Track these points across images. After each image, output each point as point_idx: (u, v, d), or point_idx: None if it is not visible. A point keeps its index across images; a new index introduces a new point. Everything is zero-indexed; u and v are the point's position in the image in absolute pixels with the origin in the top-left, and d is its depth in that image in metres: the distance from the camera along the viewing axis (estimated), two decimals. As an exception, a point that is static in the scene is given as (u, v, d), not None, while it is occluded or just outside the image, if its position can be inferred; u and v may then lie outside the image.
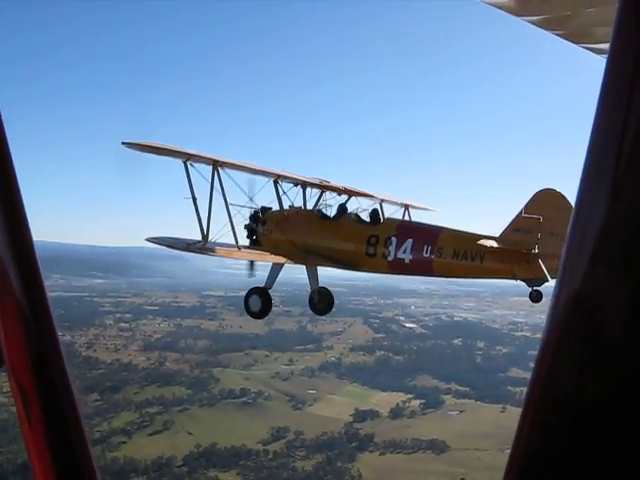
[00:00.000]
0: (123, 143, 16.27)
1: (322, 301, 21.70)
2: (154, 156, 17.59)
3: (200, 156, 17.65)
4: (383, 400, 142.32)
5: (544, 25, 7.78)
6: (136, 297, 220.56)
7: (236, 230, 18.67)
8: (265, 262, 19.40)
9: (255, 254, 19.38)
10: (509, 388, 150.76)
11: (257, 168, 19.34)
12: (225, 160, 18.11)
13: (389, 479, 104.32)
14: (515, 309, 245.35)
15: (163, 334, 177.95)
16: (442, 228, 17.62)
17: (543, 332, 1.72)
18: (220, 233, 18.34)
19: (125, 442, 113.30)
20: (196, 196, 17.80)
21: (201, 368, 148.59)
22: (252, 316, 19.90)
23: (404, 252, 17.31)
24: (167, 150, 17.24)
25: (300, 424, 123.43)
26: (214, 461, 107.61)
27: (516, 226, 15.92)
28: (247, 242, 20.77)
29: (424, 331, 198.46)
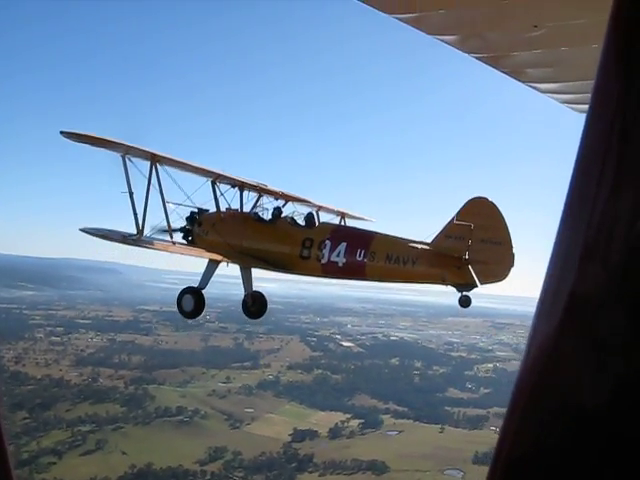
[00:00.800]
0: (61, 132, 16.04)
1: (255, 304, 21.44)
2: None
3: (138, 149, 17.52)
4: (322, 420, 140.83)
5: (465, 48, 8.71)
6: (68, 310, 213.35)
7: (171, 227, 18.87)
8: (201, 258, 19.23)
9: (191, 250, 19.34)
10: (447, 408, 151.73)
11: (196, 166, 19.27)
12: (163, 155, 18.05)
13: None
14: (450, 329, 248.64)
15: (96, 349, 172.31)
16: (375, 233, 17.83)
17: (530, 331, 1.72)
18: (155, 229, 18.55)
19: (55, 463, 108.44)
20: (133, 191, 17.71)
21: (136, 385, 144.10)
22: (185, 316, 19.51)
23: (337, 255, 17.48)
24: (104, 141, 16.90)
25: (238, 444, 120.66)
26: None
27: (448, 233, 16.22)
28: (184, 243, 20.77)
29: (361, 350, 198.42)
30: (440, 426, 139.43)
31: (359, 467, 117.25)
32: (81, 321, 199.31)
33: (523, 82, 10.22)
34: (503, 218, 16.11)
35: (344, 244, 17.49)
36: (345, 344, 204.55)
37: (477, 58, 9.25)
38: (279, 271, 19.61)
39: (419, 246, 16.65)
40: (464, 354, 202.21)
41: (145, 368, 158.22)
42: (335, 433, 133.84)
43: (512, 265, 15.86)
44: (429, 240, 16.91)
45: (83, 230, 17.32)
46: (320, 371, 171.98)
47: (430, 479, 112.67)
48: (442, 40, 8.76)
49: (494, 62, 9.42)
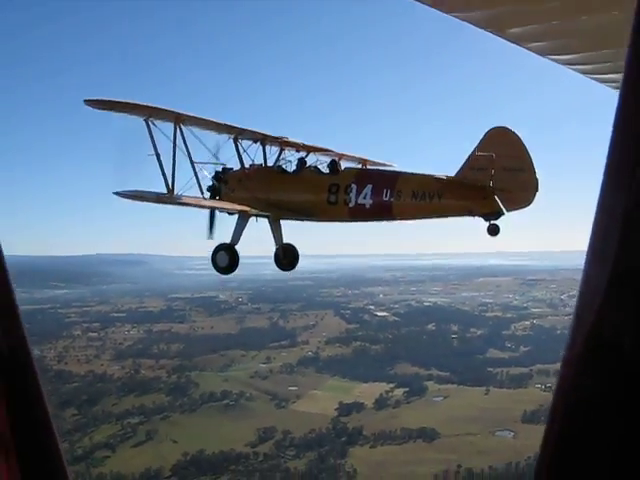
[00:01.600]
0: (85, 101, 16.16)
1: (287, 256, 21.71)
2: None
3: (161, 110, 17.54)
4: (366, 391, 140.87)
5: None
6: (102, 305, 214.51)
7: (191, 192, 19.04)
8: (232, 210, 19.69)
9: (222, 203, 19.86)
10: (489, 369, 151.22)
11: (219, 122, 19.32)
12: (187, 114, 18.13)
13: (384, 472, 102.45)
14: (482, 290, 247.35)
15: (134, 341, 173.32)
16: (399, 172, 18.23)
17: (569, 331, 1.73)
18: (185, 188, 18.72)
19: (109, 456, 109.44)
20: (159, 152, 17.95)
21: (178, 373, 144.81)
22: (220, 272, 19.81)
23: (364, 197, 17.77)
24: (128, 105, 17.07)
25: (286, 423, 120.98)
26: (203, 468, 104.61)
27: (471, 165, 16.33)
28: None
29: (396, 319, 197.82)
30: (485, 388, 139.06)
31: (409, 436, 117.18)
32: (116, 315, 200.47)
33: (542, 55, 10.17)
34: (524, 145, 16.19)
35: (370, 186, 17.76)
36: (380, 314, 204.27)
37: (494, 34, 9.16)
38: (308, 219, 19.89)
39: (443, 180, 16.88)
40: (499, 314, 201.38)
41: (185, 356, 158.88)
42: (381, 404, 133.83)
43: (537, 190, 16.10)
44: (453, 174, 17.08)
45: (117, 193, 17.11)
46: (358, 343, 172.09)
47: (481, 442, 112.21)
48: (459, 17, 8.64)
49: (512, 37, 9.35)
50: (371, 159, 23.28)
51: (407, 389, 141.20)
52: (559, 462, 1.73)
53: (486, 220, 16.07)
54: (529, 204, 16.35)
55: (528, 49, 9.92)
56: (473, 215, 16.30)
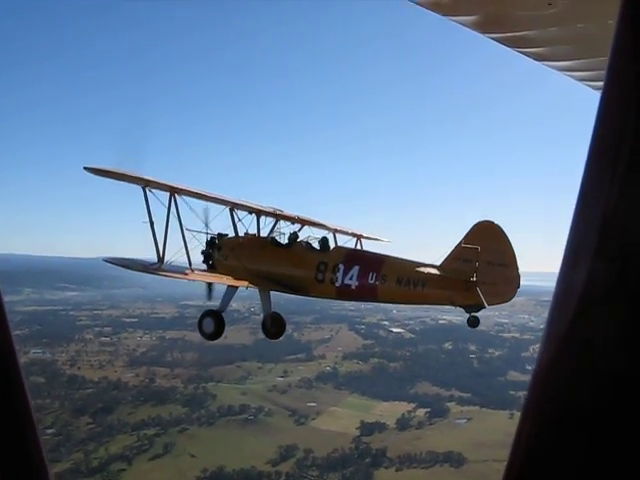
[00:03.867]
0: (84, 168, 16.70)
1: (275, 325, 22.17)
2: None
3: (158, 183, 18.16)
4: (387, 410, 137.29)
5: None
6: (113, 309, 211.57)
7: (191, 254, 19.45)
8: (221, 284, 19.99)
9: (210, 276, 19.92)
10: (511, 392, 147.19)
11: (213, 196, 19.97)
12: (182, 187, 18.70)
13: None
14: (497, 310, 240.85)
15: (147, 348, 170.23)
16: (386, 256, 18.34)
17: (543, 333, 1.77)
18: (176, 256, 18.99)
19: (125, 469, 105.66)
20: (154, 220, 18.28)
21: (194, 384, 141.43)
22: (205, 337, 20.46)
23: (350, 279, 18.02)
24: (126, 176, 17.63)
25: (307, 441, 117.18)
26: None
27: (456, 255, 16.62)
28: (204, 267, 21.35)
29: (412, 336, 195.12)
30: (509, 412, 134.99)
31: (435, 459, 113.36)
32: (127, 320, 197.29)
33: (539, 61, 10.36)
34: (509, 240, 16.59)
35: (357, 267, 18.02)
36: (395, 330, 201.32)
37: (492, 38, 9.43)
38: (296, 293, 20.00)
39: (428, 269, 17.01)
40: (517, 335, 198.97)
41: (200, 366, 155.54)
42: (403, 424, 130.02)
43: (518, 286, 16.49)
44: (438, 263, 17.27)
45: (107, 260, 17.99)
46: (377, 360, 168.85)
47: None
48: (456, 21, 8.90)
49: (508, 42, 9.57)
50: (366, 234, 23.76)
51: (429, 409, 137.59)
52: (529, 467, 1.79)
53: (467, 312, 16.20)
54: (510, 299, 16.76)
55: (524, 54, 10.06)
56: (455, 306, 16.47)
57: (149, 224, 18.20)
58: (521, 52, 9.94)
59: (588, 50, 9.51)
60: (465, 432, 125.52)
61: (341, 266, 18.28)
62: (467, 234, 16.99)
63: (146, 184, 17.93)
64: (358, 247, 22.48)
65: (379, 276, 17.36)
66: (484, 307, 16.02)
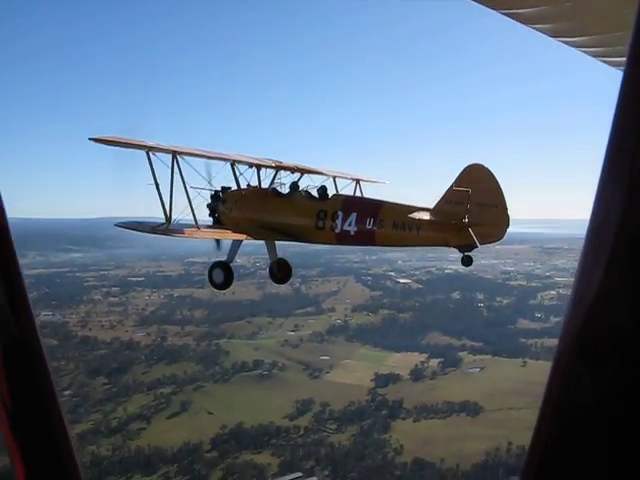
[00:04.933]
0: (90, 139, 16.84)
1: (281, 270, 22.67)
2: None
3: (159, 148, 18.45)
4: (400, 362, 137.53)
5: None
6: (119, 269, 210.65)
7: (196, 211, 19.54)
8: (227, 239, 20.48)
9: (215, 232, 20.36)
10: (522, 340, 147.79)
11: (213, 155, 20.39)
12: (183, 150, 19.04)
13: (432, 448, 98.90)
14: (501, 258, 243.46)
15: (156, 306, 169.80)
16: (383, 202, 18.80)
17: (559, 339, 1.77)
18: (183, 214, 19.06)
19: (144, 428, 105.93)
20: (159, 182, 18.50)
21: (206, 341, 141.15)
22: (216, 287, 20.82)
23: (349, 225, 18.60)
24: (130, 143, 18.01)
25: (322, 394, 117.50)
26: (244, 442, 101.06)
27: (448, 199, 17.09)
28: (210, 220, 21.78)
29: (419, 286, 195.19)
30: (521, 360, 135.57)
31: (452, 409, 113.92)
32: (134, 279, 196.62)
33: (554, 37, 10.19)
34: (498, 182, 16.77)
35: (355, 214, 18.54)
36: (402, 281, 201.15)
37: (504, 14, 9.22)
38: (298, 241, 20.52)
39: (422, 213, 17.23)
40: (523, 282, 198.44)
41: (210, 322, 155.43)
42: (417, 375, 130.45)
43: (507, 225, 16.58)
44: (431, 206, 17.53)
45: (118, 225, 18.46)
46: (386, 311, 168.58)
47: (527, 417, 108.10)
48: None
49: (522, 18, 9.35)
50: (364, 177, 23.90)
51: (441, 359, 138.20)
52: (547, 464, 1.76)
53: (461, 252, 16.68)
54: (501, 238, 16.84)
55: (539, 31, 9.84)
56: (449, 246, 16.95)
57: (155, 186, 18.54)
58: (536, 29, 9.72)
59: (604, 25, 9.24)
60: (479, 381, 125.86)
61: (340, 213, 18.90)
62: (458, 177, 17.12)
63: (149, 149, 18.29)
64: (357, 191, 22.96)
65: (376, 221, 18.05)
66: (476, 247, 16.40)
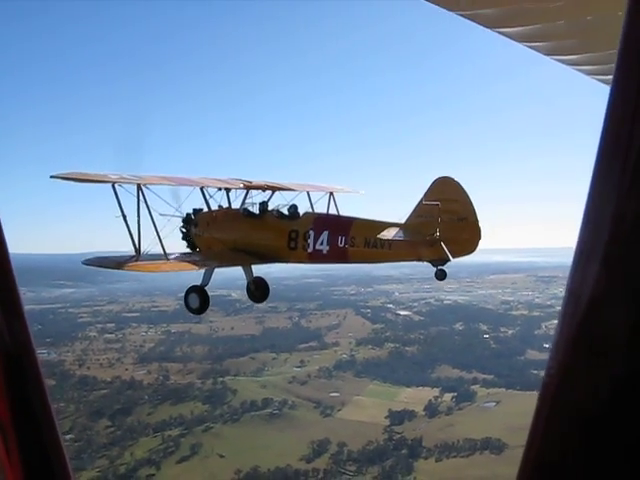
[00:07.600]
0: (51, 176, 16.77)
1: (259, 289, 22.73)
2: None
3: (124, 179, 18.23)
4: (412, 397, 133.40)
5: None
6: (112, 304, 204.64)
7: (170, 239, 20.10)
8: (197, 269, 19.93)
9: (180, 265, 19.26)
10: (534, 372, 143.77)
11: (179, 181, 20.28)
12: (147, 180, 18.79)
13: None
14: (498, 288, 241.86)
15: (154, 343, 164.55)
16: (353, 219, 18.86)
17: (554, 338, 1.74)
18: (152, 244, 19.00)
19: (154, 474, 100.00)
20: (125, 214, 18.44)
21: (211, 379, 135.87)
22: (191, 312, 20.89)
23: (321, 244, 18.67)
24: (93, 179, 17.80)
25: (338, 433, 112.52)
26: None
27: (419, 212, 17.21)
28: (184, 243, 22.00)
29: (421, 318, 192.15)
30: (536, 392, 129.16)
31: (474, 447, 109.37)
32: (129, 315, 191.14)
33: (547, 55, 10.42)
34: (467, 194, 16.83)
35: (326, 232, 18.61)
36: (402, 313, 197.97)
37: (499, 32, 9.46)
38: (271, 262, 20.45)
39: (393, 229, 17.31)
40: (525, 312, 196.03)
41: (213, 359, 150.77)
42: (432, 410, 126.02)
43: (479, 237, 16.70)
44: (402, 221, 17.78)
45: (84, 263, 18.25)
46: (391, 345, 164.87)
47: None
48: (462, 15, 8.90)
49: (516, 36, 9.65)
50: (338, 188, 23.71)
51: (455, 394, 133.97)
52: (544, 464, 1.77)
53: (434, 266, 16.79)
54: (473, 250, 16.88)
55: (533, 49, 10.14)
56: (422, 261, 16.99)
57: (122, 218, 18.48)
58: (529, 46, 9.97)
59: (597, 43, 9.47)
60: (497, 416, 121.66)
61: (311, 232, 18.92)
62: (427, 191, 17.50)
63: (114, 182, 18.11)
64: (332, 203, 22.52)
65: (348, 239, 18.02)
66: (449, 260, 16.50)
